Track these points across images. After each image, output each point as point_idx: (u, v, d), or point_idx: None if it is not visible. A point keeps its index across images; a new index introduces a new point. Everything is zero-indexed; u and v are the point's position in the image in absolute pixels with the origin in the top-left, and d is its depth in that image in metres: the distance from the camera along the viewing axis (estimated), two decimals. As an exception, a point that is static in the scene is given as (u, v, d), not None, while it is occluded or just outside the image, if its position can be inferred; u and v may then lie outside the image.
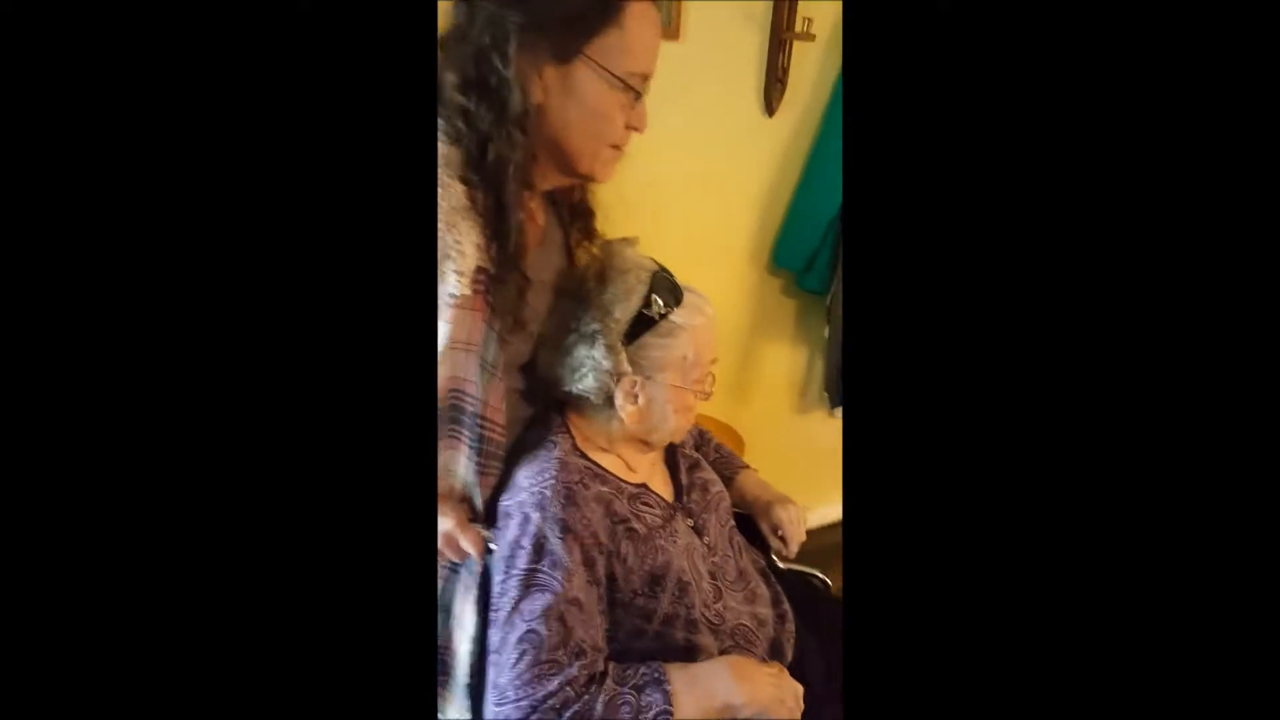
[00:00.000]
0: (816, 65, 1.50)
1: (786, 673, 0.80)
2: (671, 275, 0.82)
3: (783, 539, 0.97)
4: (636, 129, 0.79)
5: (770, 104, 1.49)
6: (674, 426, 0.84)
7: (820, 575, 1.13)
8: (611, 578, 0.76)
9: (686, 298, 0.81)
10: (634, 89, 0.75)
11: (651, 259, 0.83)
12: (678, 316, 0.80)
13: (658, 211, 1.50)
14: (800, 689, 0.79)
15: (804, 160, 1.56)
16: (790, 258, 1.61)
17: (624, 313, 0.78)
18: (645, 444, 0.86)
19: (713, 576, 0.85)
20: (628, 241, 0.84)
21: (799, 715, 0.78)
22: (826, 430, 1.93)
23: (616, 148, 0.79)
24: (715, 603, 0.84)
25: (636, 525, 0.79)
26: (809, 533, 2.04)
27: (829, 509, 2.10)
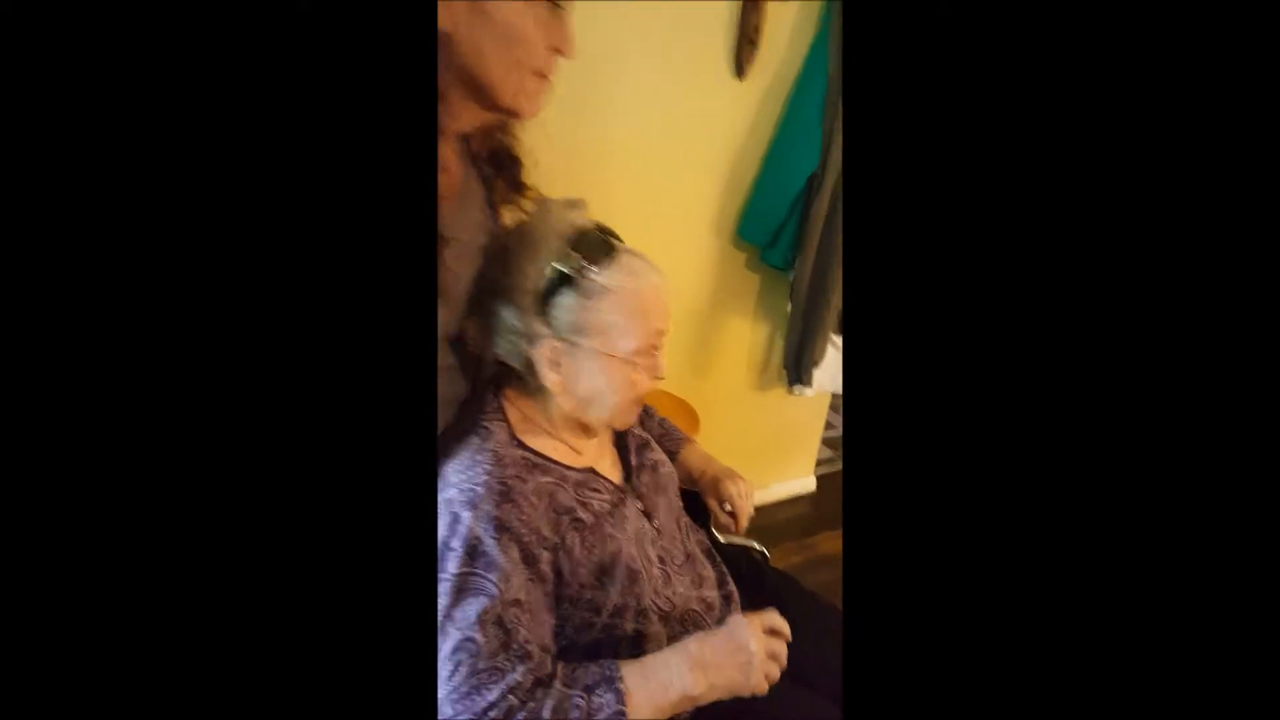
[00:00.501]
0: (791, 25, 1.43)
1: (762, 636, 0.71)
2: (609, 235, 0.75)
3: (731, 514, 0.93)
4: (562, 52, 0.70)
5: (740, 65, 1.41)
6: (614, 406, 0.76)
7: (759, 547, 1.09)
8: (558, 572, 0.71)
9: (621, 259, 0.73)
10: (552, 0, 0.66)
11: (594, 221, 0.76)
12: (603, 276, 0.71)
13: (616, 176, 1.42)
14: (783, 647, 0.72)
15: (774, 127, 1.49)
16: (755, 231, 1.55)
17: (536, 267, 0.71)
18: (585, 427, 0.79)
19: (661, 561, 0.81)
20: (570, 203, 0.76)
21: (777, 672, 0.72)
22: (784, 408, 1.90)
23: (541, 75, 0.70)
24: (665, 589, 0.79)
25: (583, 514, 0.74)
26: (767, 508, 2.05)
27: (785, 485, 2.08)
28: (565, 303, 0.71)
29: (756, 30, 1.38)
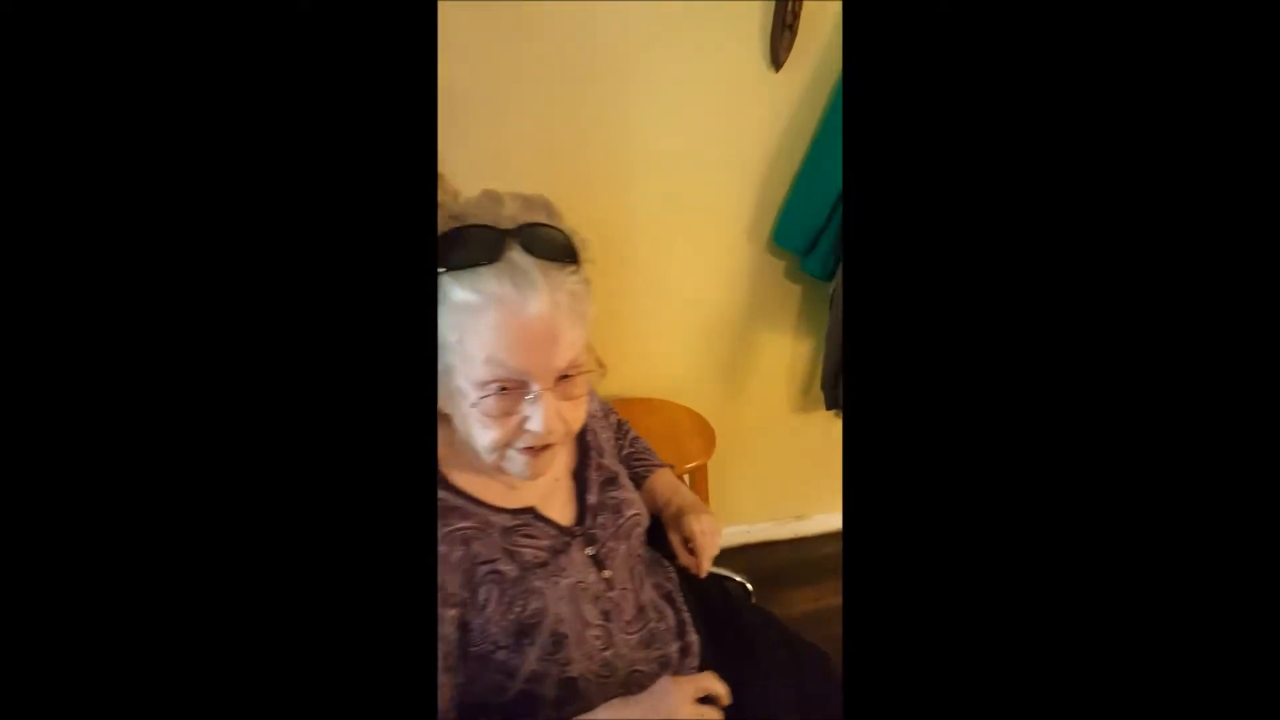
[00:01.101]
0: (833, 12, 1.29)
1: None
2: (500, 235, 0.59)
3: (693, 553, 0.81)
4: None
5: (777, 56, 1.28)
6: (489, 448, 0.62)
7: (740, 579, 0.96)
8: (465, 627, 0.62)
9: (497, 270, 0.58)
10: None
11: (540, 223, 0.62)
12: (459, 290, 0.57)
13: (642, 178, 1.33)
14: (717, 715, 0.65)
15: (814, 125, 1.35)
16: (791, 237, 1.41)
17: None
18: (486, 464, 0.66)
19: (606, 617, 0.70)
20: (526, 200, 0.64)
21: None
22: (830, 432, 1.74)
23: None
24: (603, 651, 0.69)
25: (505, 566, 0.64)
26: (810, 541, 1.89)
27: (830, 517, 1.91)
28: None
29: (795, 16, 1.25)
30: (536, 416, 0.60)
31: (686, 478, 1.35)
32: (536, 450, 0.63)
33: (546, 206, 0.64)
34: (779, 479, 1.79)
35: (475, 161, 1.21)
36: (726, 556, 1.80)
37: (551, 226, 0.61)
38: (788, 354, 1.62)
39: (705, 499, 1.38)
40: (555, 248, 0.60)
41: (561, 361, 0.60)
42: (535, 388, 0.60)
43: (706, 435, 1.39)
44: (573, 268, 0.61)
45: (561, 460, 0.75)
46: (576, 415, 0.64)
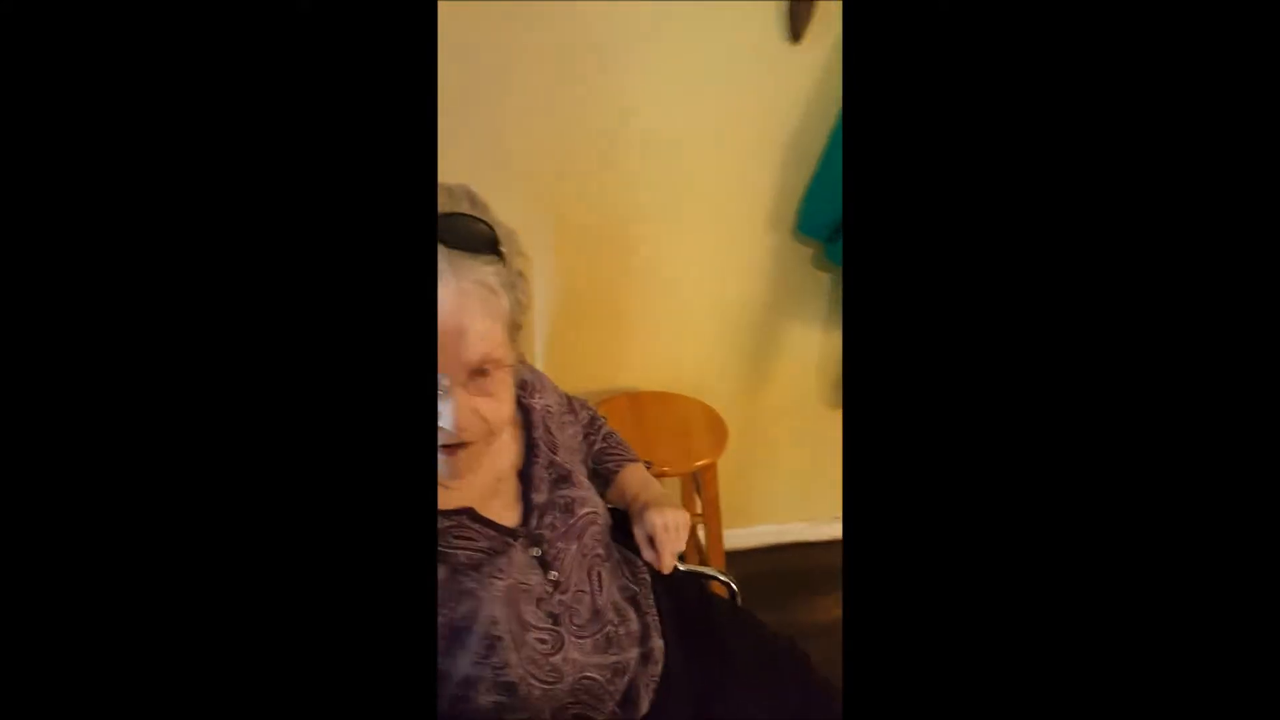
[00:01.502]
0: (857, -23, 1.19)
1: None
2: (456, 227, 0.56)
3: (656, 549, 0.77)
4: None
5: (796, 27, 1.20)
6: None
7: (723, 578, 0.91)
8: None
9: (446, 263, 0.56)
10: None
11: (463, 213, 0.58)
12: None
13: (653, 161, 1.27)
14: None
15: (838, 101, 1.26)
16: (815, 223, 1.33)
17: None
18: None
19: (555, 621, 0.67)
20: (448, 190, 0.61)
21: None
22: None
23: None
24: (554, 655, 0.65)
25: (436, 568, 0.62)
26: (830, 546, 1.80)
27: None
28: None
29: (814, -16, 1.17)
30: (446, 414, 0.57)
31: (696, 475, 1.30)
32: (453, 449, 0.60)
33: (470, 196, 0.61)
34: (810, 476, 1.71)
35: (476, 151, 1.20)
36: (757, 557, 1.74)
37: (470, 216, 0.57)
38: (817, 346, 1.54)
39: (715, 497, 1.32)
40: (470, 238, 0.57)
41: (472, 356, 0.57)
42: (444, 383, 0.56)
43: (719, 432, 1.33)
44: (489, 258, 0.58)
45: (507, 459, 0.72)
46: (497, 412, 0.61)
